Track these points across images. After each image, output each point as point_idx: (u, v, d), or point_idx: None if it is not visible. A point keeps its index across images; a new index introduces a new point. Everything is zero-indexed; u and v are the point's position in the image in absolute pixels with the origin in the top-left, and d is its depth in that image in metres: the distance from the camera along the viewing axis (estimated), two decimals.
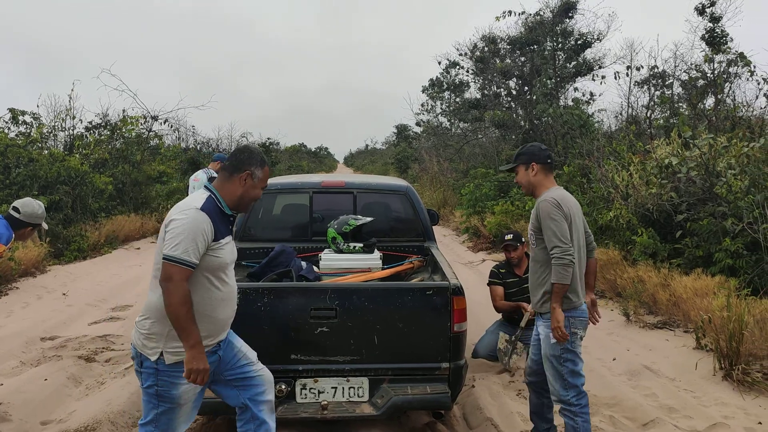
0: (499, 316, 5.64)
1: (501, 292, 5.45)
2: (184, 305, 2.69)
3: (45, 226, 4.36)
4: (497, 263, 5.82)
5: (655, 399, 4.71)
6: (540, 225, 3.46)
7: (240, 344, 3.15)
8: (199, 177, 9.10)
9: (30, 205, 4.27)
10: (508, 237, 5.44)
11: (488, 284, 5.58)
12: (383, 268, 4.78)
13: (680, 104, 13.70)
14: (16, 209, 4.26)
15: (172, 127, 18.29)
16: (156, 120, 16.91)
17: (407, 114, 75.41)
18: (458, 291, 3.83)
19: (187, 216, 2.77)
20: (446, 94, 27.62)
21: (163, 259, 2.73)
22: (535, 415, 3.84)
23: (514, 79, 21.48)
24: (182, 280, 2.70)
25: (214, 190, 2.95)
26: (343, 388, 3.83)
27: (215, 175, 8.07)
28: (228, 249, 2.93)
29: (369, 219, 5.07)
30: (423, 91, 29.10)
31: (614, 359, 5.65)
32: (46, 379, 4.97)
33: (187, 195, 8.24)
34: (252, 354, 3.18)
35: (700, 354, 5.54)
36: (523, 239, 5.32)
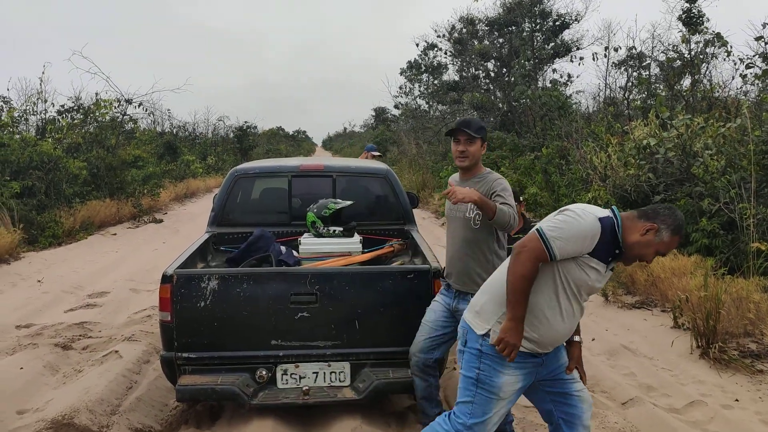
0: None
1: None
2: (525, 280, 2.59)
3: None
4: None
5: (633, 378, 4.76)
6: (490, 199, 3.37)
7: (564, 358, 2.91)
8: None
9: None
10: None
11: None
12: (363, 252, 4.75)
13: (657, 85, 13.80)
14: None
15: (147, 110, 17.96)
16: (130, 103, 16.58)
17: (385, 96, 75.16)
18: (439, 274, 3.82)
19: (583, 217, 2.61)
20: (424, 76, 27.57)
21: (535, 229, 2.64)
22: (425, 400, 3.67)
23: (493, 61, 21.47)
24: (534, 258, 2.58)
25: (619, 217, 2.68)
26: (324, 373, 3.81)
27: None
28: (596, 276, 2.65)
29: (349, 202, 5.03)
30: (401, 74, 29.00)
31: (593, 339, 5.70)
32: (21, 368, 4.88)
33: None
34: (575, 371, 2.94)
35: (677, 333, 5.62)
36: (521, 198, 5.23)
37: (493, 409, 2.73)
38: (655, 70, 14.71)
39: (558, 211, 2.72)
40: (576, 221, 2.59)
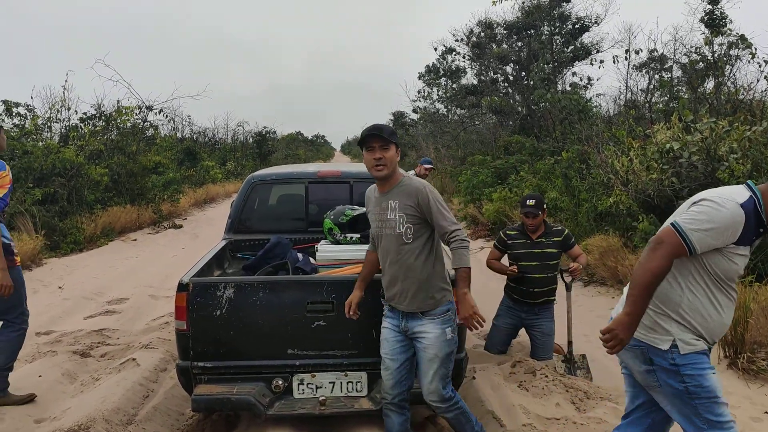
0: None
1: (498, 256, 5.30)
2: (655, 276, 2.43)
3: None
4: (510, 226, 5.65)
5: None
6: (423, 210, 3.21)
7: None
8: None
9: None
10: (530, 203, 5.01)
11: (493, 245, 5.44)
12: None
13: (680, 88, 13.59)
14: None
15: (167, 117, 18.11)
16: (151, 110, 16.75)
17: (404, 101, 75.17)
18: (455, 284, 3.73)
19: (724, 205, 2.44)
20: (443, 80, 27.48)
21: (671, 223, 2.51)
22: None
23: (511, 65, 21.34)
24: (670, 254, 2.44)
25: (758, 191, 2.51)
26: (341, 382, 3.76)
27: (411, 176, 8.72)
28: (742, 261, 2.53)
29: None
30: (419, 78, 28.94)
31: None
32: (40, 376, 4.89)
33: None
34: None
35: None
36: (544, 205, 5.13)
37: (725, 411, 2.56)
38: (677, 72, 14.51)
39: (692, 201, 2.57)
40: (716, 211, 2.44)
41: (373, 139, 3.23)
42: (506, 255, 5.27)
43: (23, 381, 4.75)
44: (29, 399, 4.39)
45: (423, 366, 3.27)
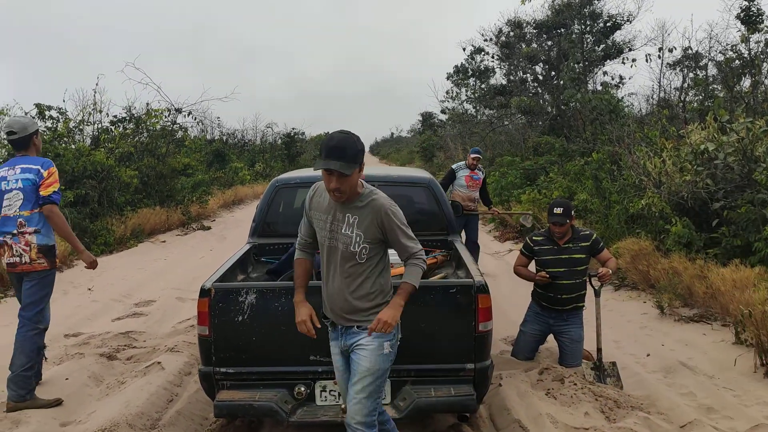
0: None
1: (525, 262, 5.19)
2: None
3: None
4: (536, 231, 5.53)
5: (692, 398, 4.48)
6: (385, 230, 2.95)
7: None
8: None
9: (18, 122, 4.37)
10: (558, 211, 4.84)
11: (519, 251, 5.32)
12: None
13: (715, 86, 13.26)
14: (12, 133, 4.31)
15: (196, 119, 18.26)
16: (180, 112, 16.90)
17: (432, 101, 74.91)
18: (483, 289, 3.66)
19: None
20: (471, 80, 27.28)
21: None
22: None
23: (541, 64, 21.11)
24: None
25: None
26: None
27: (461, 166, 9.02)
28: None
29: None
30: (447, 78, 28.78)
31: (648, 355, 5.43)
32: (67, 378, 4.92)
33: (451, 181, 9.01)
34: None
35: (739, 349, 5.29)
36: (572, 213, 4.99)
37: None
38: (712, 70, 14.15)
39: None
40: None
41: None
42: (533, 261, 5.16)
43: (51, 383, 4.79)
44: (56, 404, 4.41)
45: (353, 379, 3.02)
